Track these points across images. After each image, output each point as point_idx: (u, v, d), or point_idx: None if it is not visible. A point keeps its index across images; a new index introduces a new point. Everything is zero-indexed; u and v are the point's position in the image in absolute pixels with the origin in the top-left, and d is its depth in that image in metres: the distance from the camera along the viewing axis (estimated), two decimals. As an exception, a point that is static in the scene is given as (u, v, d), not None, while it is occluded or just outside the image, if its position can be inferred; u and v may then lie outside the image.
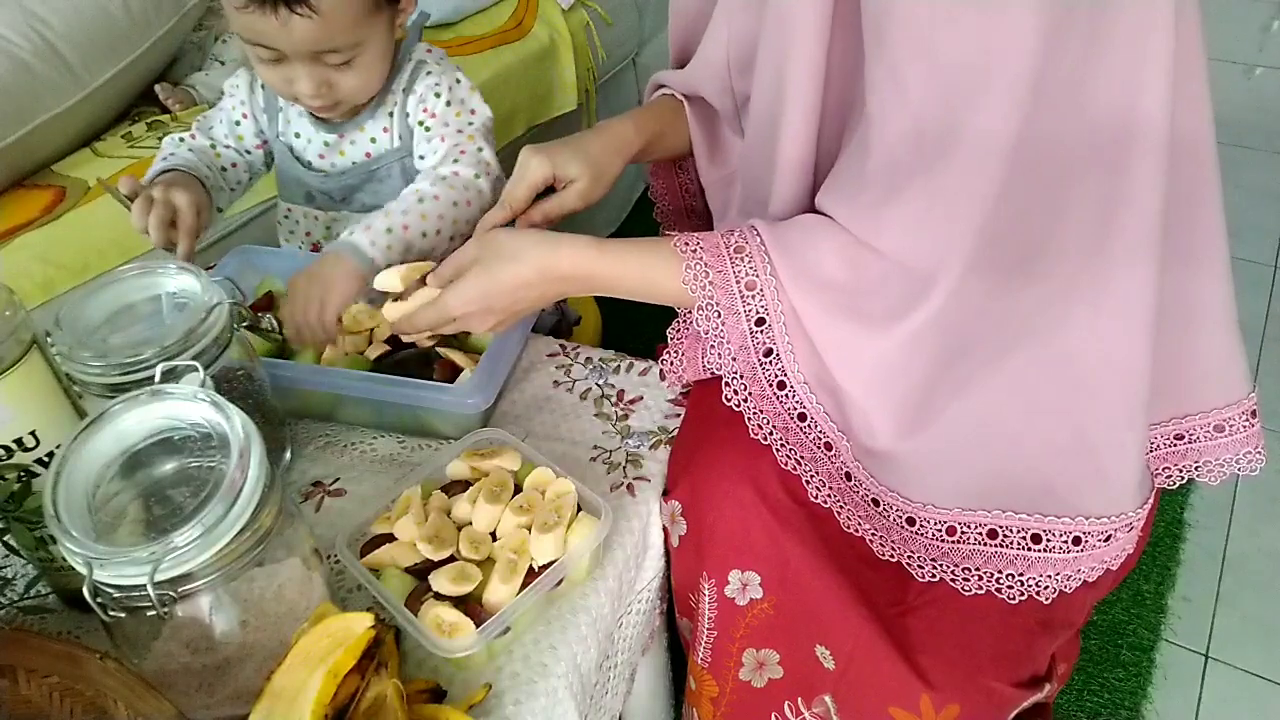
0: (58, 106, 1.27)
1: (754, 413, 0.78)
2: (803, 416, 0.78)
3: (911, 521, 0.76)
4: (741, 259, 0.75)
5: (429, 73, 1.00)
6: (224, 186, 1.02)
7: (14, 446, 0.64)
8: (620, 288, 0.78)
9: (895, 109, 0.67)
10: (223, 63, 1.54)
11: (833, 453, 0.79)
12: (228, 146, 1.04)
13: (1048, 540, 0.73)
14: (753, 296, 0.74)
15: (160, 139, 1.34)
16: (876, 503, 0.77)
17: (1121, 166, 0.66)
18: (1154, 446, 0.81)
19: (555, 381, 0.95)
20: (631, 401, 0.93)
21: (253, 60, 0.92)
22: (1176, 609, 1.39)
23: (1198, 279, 0.76)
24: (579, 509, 0.75)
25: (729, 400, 0.78)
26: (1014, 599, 0.74)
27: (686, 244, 0.76)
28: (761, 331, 0.75)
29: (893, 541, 0.77)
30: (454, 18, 1.63)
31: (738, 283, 0.74)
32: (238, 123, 1.04)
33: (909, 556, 0.76)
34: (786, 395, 0.77)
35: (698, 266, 0.75)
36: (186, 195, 0.90)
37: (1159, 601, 1.39)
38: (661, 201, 1.11)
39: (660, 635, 0.96)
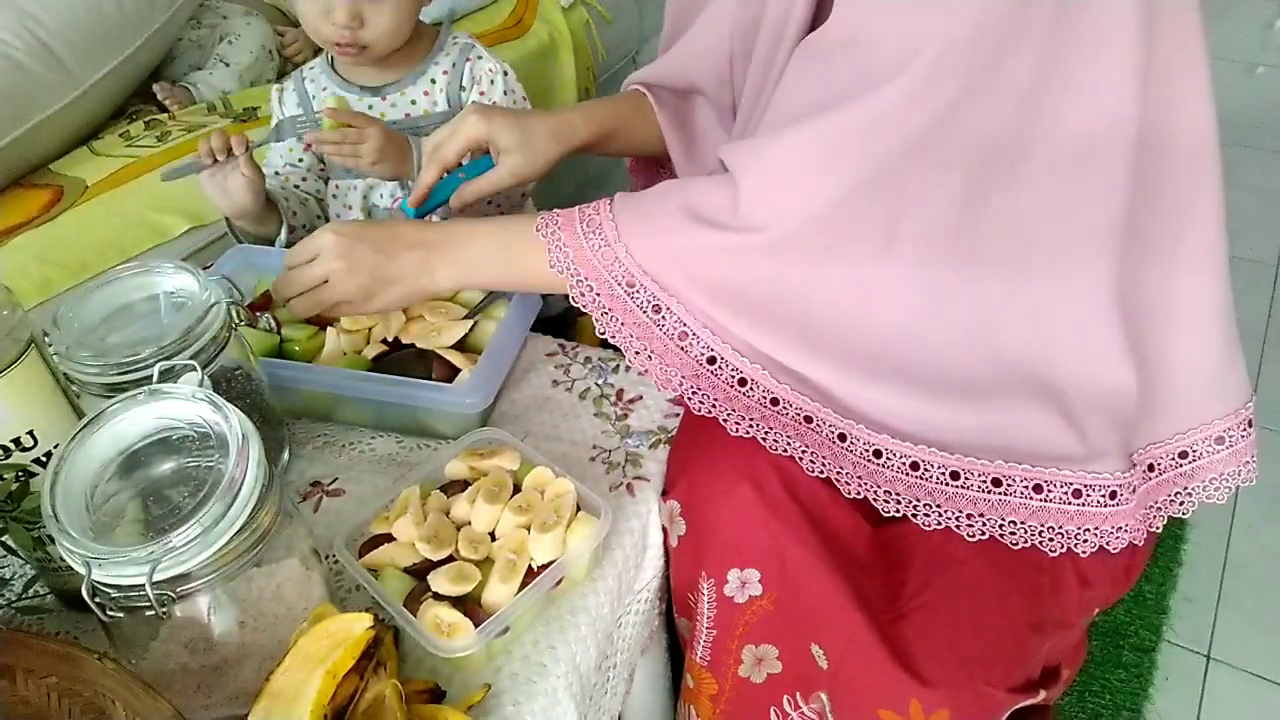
0: (53, 105, 1.26)
1: (727, 413, 0.79)
2: (775, 401, 0.78)
3: (915, 467, 0.76)
4: (593, 230, 0.77)
5: (480, 57, 1.08)
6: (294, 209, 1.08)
7: (12, 446, 0.64)
8: (484, 263, 0.81)
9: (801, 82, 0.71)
10: (228, 64, 1.53)
11: (814, 425, 0.78)
12: (304, 178, 1.12)
13: (1049, 490, 0.74)
14: (613, 264, 0.76)
15: (158, 138, 1.35)
16: (879, 454, 0.77)
17: (1084, 167, 0.67)
18: (1160, 469, 0.82)
19: (554, 381, 0.95)
20: (631, 401, 0.93)
21: None
22: (1178, 610, 1.39)
23: (1197, 280, 0.76)
24: (578, 509, 0.74)
25: (698, 410, 0.78)
26: (1017, 545, 0.75)
27: (546, 224, 0.78)
28: (640, 294, 0.77)
29: (898, 493, 0.77)
30: (454, 16, 1.63)
31: (594, 253, 0.76)
32: (301, 159, 1.12)
33: (914, 505, 0.77)
34: (750, 390, 0.78)
35: (556, 245, 0.77)
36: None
37: (1160, 602, 1.39)
38: None
39: (660, 635, 0.96)
